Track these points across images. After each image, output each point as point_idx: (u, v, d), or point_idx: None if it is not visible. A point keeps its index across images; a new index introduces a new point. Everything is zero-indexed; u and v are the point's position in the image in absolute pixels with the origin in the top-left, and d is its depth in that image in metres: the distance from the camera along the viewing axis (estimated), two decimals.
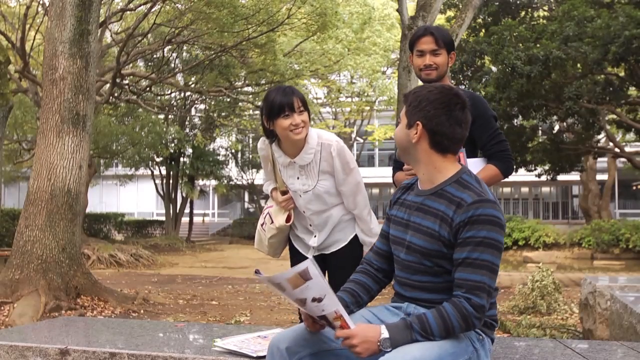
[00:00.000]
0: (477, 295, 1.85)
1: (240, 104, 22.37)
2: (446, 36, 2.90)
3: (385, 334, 1.85)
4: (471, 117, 2.79)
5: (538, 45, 14.21)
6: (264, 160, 3.01)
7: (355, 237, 2.93)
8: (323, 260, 2.97)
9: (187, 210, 27.49)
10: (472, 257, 1.87)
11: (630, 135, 20.56)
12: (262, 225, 3.06)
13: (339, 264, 2.93)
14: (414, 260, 2.02)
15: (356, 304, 2.11)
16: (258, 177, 29.80)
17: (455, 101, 2.00)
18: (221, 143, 28.32)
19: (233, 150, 29.03)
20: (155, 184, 27.43)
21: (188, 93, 22.49)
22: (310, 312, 1.94)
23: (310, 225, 2.95)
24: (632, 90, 17.16)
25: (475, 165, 2.82)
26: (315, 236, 2.95)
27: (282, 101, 2.70)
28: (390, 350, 1.82)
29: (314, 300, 1.88)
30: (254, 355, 2.39)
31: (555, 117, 17.46)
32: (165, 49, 18.15)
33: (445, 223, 1.94)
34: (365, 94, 27.29)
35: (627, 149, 20.99)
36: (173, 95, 22.75)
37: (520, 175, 20.97)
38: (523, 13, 18.83)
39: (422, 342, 1.85)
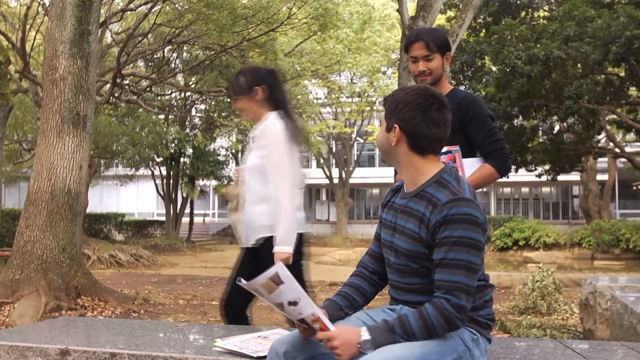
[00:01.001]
0: (456, 296, 1.85)
1: None
2: (438, 38, 2.84)
3: (365, 335, 1.86)
4: (467, 118, 2.80)
5: (538, 45, 14.21)
6: None
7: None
8: (255, 254, 3.11)
9: (187, 210, 27.47)
10: (448, 257, 1.87)
11: (631, 136, 20.57)
12: None
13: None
14: (401, 263, 2.03)
15: (351, 307, 2.12)
16: None
17: (431, 101, 1.99)
18: (221, 143, 28.29)
19: (233, 151, 29.01)
20: (156, 184, 27.41)
21: (188, 93, 22.48)
22: (290, 316, 1.96)
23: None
24: (633, 91, 17.16)
25: (472, 165, 2.80)
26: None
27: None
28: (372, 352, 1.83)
29: (290, 304, 1.90)
30: (255, 355, 2.38)
31: (555, 117, 17.45)
32: (166, 49, 18.14)
33: (423, 224, 1.94)
34: (366, 94, 27.26)
35: (628, 149, 20.97)
36: (173, 95, 22.73)
37: (521, 175, 20.95)
38: (523, 13, 18.83)
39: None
